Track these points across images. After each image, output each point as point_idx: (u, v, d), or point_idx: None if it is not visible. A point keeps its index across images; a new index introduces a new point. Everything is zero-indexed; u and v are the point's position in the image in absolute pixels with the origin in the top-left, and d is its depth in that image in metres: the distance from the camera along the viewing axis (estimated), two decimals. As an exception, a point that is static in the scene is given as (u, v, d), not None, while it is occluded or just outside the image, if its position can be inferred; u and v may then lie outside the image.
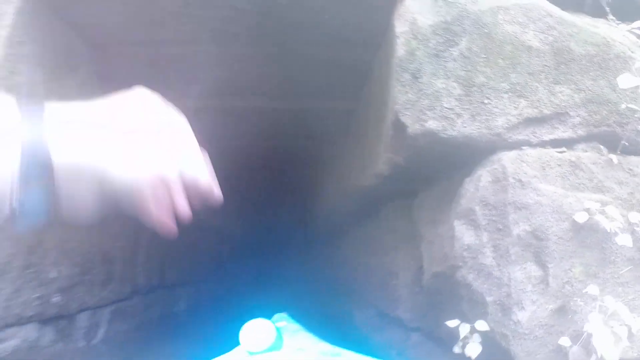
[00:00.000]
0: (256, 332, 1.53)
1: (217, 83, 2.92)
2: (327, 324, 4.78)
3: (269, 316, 1.70)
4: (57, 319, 2.60)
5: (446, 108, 1.81)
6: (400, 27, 1.93)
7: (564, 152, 1.79)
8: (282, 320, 2.15)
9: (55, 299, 2.50)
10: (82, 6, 2.12)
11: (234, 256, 7.57)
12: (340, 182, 3.64)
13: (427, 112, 1.81)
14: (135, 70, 2.78)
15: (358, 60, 2.59)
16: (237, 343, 1.51)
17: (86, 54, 2.41)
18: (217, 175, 0.73)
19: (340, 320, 4.77)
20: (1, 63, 1.78)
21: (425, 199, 2.40)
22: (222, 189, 0.74)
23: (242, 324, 1.51)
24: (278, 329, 1.59)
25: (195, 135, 0.77)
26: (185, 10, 2.18)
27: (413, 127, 1.84)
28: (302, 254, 7.46)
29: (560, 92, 1.80)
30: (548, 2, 1.90)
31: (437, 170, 2.12)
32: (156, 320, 3.96)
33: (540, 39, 1.82)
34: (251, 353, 1.51)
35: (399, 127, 1.91)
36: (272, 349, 1.51)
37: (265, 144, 4.26)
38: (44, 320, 2.46)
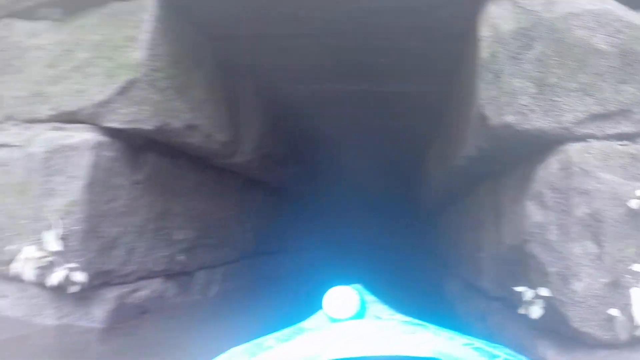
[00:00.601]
0: (340, 299, 1.66)
1: (328, 70, 3.54)
2: (419, 294, 5.39)
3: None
4: (180, 275, 3.23)
5: (522, 104, 2.23)
6: (484, 31, 2.37)
7: (627, 145, 2.16)
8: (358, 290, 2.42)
9: (180, 257, 3.15)
10: (206, 8, 2.70)
11: (336, 227, 8.33)
12: (440, 161, 4.11)
13: (506, 108, 2.23)
14: (253, 61, 3.49)
15: (451, 49, 3.04)
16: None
17: (209, 49, 3.06)
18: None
19: (431, 291, 5.34)
20: (145, 62, 2.42)
21: (507, 180, 2.82)
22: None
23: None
24: (362, 298, 1.71)
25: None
26: (298, 10, 2.77)
27: (494, 120, 2.29)
28: (404, 228, 8.02)
29: (625, 90, 2.15)
30: (618, 5, 2.22)
31: (516, 155, 2.54)
32: (259, 282, 4.61)
33: (608, 42, 2.16)
34: (333, 320, 1.63)
35: (482, 118, 2.37)
36: (355, 317, 1.63)
37: (371, 123, 4.85)
38: (169, 276, 3.09)
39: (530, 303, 2.27)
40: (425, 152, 5.25)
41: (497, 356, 1.25)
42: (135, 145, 2.65)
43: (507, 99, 2.21)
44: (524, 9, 2.26)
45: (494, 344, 1.36)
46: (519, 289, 2.36)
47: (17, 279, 2.60)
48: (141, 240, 2.77)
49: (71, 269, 2.34)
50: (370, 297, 2.21)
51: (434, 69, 3.34)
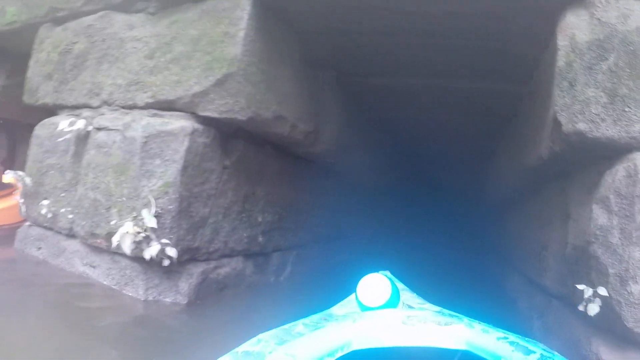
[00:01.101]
0: (373, 286, 1.68)
1: (406, 65, 3.85)
2: (480, 288, 5.68)
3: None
4: (257, 256, 3.60)
5: (593, 113, 2.40)
6: (561, 40, 2.60)
7: (693, 157, 2.40)
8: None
9: (259, 239, 3.53)
10: (297, 6, 3.02)
11: (400, 218, 8.71)
12: (510, 159, 4.34)
13: (578, 115, 2.43)
14: (334, 55, 3.83)
15: (527, 53, 3.30)
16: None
17: (296, 44, 3.39)
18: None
19: (492, 285, 5.62)
20: (240, 57, 2.77)
21: (575, 182, 3.05)
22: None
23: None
24: (394, 286, 1.73)
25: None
26: (383, 10, 3.09)
27: (567, 126, 2.48)
28: (467, 222, 8.29)
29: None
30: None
31: (586, 159, 2.73)
32: (330, 266, 4.92)
33: (681, 57, 2.41)
34: (365, 308, 1.65)
35: (556, 124, 2.58)
36: (387, 305, 1.64)
37: (443, 118, 5.17)
38: (248, 255, 3.46)
39: (589, 301, 2.48)
40: (493, 150, 5.53)
41: (533, 352, 1.28)
42: (226, 132, 3.03)
43: (580, 107, 2.44)
44: (599, 21, 2.46)
45: (529, 340, 1.40)
46: (580, 286, 2.59)
47: (108, 251, 3.05)
48: (226, 221, 3.15)
49: (164, 244, 2.76)
50: (400, 285, 2.24)
51: (509, 69, 3.60)
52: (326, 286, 4.35)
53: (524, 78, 3.70)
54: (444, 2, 2.82)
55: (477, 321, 1.47)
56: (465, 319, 1.48)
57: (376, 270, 1.90)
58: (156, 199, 2.76)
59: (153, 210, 2.75)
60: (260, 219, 3.51)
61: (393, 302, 1.69)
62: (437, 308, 1.84)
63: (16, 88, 4.67)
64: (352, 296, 1.83)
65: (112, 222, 2.92)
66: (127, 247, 2.73)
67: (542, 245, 3.60)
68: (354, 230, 6.05)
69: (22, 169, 4.58)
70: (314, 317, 1.66)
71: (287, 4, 2.85)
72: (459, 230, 8.52)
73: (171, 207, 2.76)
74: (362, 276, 1.73)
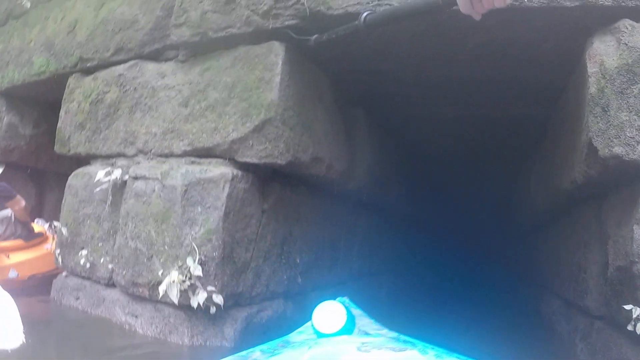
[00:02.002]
0: (328, 313, 1.74)
1: (435, 96, 3.94)
2: (513, 312, 5.68)
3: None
4: (297, 296, 3.58)
5: (629, 137, 2.43)
6: (591, 67, 2.64)
7: None
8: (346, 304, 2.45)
9: (298, 280, 3.53)
10: (329, 49, 3.01)
11: (432, 248, 8.76)
12: (541, 183, 4.35)
13: (614, 140, 2.46)
14: (365, 92, 3.89)
15: (554, 78, 3.35)
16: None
17: (328, 84, 3.44)
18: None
19: (526, 309, 5.62)
20: (277, 102, 2.79)
21: (612, 203, 3.05)
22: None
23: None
24: (350, 312, 1.80)
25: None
26: (413, 47, 3.15)
27: (603, 151, 2.50)
28: (499, 247, 8.38)
29: None
30: None
31: (623, 180, 2.79)
32: (365, 302, 5.03)
33: None
34: (321, 335, 1.69)
35: (592, 149, 2.61)
36: (343, 331, 1.70)
37: (472, 145, 5.25)
38: (288, 297, 3.45)
39: (637, 320, 2.49)
40: (521, 174, 5.58)
41: None
42: (263, 176, 3.06)
43: (615, 131, 2.47)
44: (627, 46, 2.48)
45: None
46: (627, 307, 2.60)
47: (150, 300, 3.07)
48: (267, 264, 3.15)
49: (210, 292, 2.78)
50: (357, 311, 2.30)
51: (534, 95, 3.66)
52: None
53: (549, 103, 3.76)
54: (474, 35, 2.86)
55: (431, 347, 1.48)
56: (420, 345, 1.49)
57: (336, 297, 2.01)
58: (199, 246, 2.78)
59: (197, 257, 2.77)
60: (298, 260, 3.51)
61: (348, 328, 1.75)
62: (394, 334, 1.87)
63: (43, 137, 4.77)
64: (310, 323, 1.84)
65: (155, 271, 2.93)
66: (175, 297, 2.75)
67: (580, 268, 3.60)
68: (388, 264, 6.06)
69: (51, 218, 4.66)
70: (272, 344, 1.71)
71: (318, 48, 2.88)
72: (489, 255, 8.61)
73: (215, 254, 2.78)
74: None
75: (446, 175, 6.86)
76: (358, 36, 2.68)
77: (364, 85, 3.74)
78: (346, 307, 1.81)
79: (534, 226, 5.58)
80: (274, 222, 3.20)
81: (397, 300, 5.74)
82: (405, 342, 1.58)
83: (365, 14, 2.24)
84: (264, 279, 3.14)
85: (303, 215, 3.59)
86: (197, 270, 2.73)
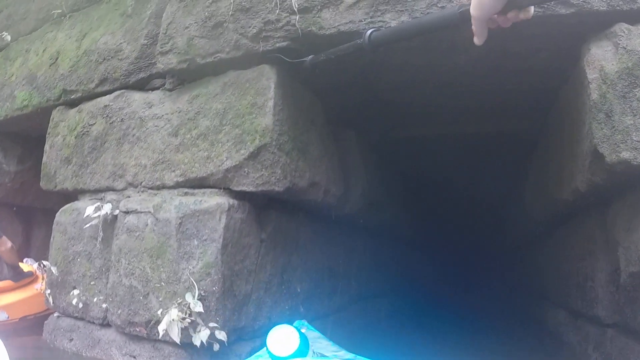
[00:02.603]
0: (282, 337, 1.81)
1: (428, 116, 3.85)
2: (517, 326, 5.57)
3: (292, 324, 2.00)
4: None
5: (635, 140, 2.37)
6: (591, 73, 2.56)
7: None
8: (303, 327, 2.57)
9: (300, 309, 3.39)
10: (319, 73, 2.97)
11: (429, 266, 8.72)
12: (538, 196, 4.27)
13: (621, 145, 2.37)
14: (356, 113, 3.77)
15: (547, 88, 3.27)
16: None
17: (320, 106, 3.32)
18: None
19: (530, 322, 5.51)
20: (272, 128, 2.66)
21: (618, 210, 2.96)
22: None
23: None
24: (303, 335, 1.86)
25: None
26: (404, 69, 3.05)
27: (610, 157, 2.42)
28: (495, 263, 8.34)
29: None
30: None
31: (629, 186, 2.70)
32: (363, 328, 4.81)
33: None
34: (275, 358, 1.78)
35: (598, 156, 2.53)
36: (297, 354, 1.77)
37: (465, 163, 5.18)
38: None
39: None
40: (515, 189, 5.50)
41: None
42: (260, 205, 2.92)
43: (621, 136, 2.40)
44: (625, 49, 2.41)
45: None
46: None
47: (149, 339, 2.90)
48: (268, 295, 3.00)
49: (212, 329, 2.61)
50: (314, 334, 2.39)
51: (529, 107, 3.58)
52: (364, 346, 4.28)
53: (540, 115, 3.70)
54: (467, 49, 2.76)
55: None
56: None
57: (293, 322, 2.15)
58: (198, 281, 2.63)
59: (196, 293, 2.61)
60: (299, 289, 3.37)
61: (302, 351, 1.81)
62: (350, 355, 1.95)
63: (28, 173, 4.60)
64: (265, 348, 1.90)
65: (152, 309, 2.77)
66: (176, 335, 2.58)
67: (587, 277, 3.52)
68: (386, 286, 5.96)
69: (39, 256, 4.47)
70: None
71: (309, 71, 2.76)
72: (486, 271, 8.60)
73: (215, 288, 2.62)
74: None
75: (439, 193, 6.83)
76: (351, 56, 2.56)
77: (355, 107, 3.65)
78: (299, 330, 1.86)
79: (530, 239, 5.50)
80: (273, 251, 3.05)
81: (396, 322, 5.62)
82: None
83: (369, 31, 2.11)
84: (265, 311, 2.99)
85: (301, 243, 3.44)
86: (198, 307, 2.57)
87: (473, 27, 1.40)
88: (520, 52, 2.86)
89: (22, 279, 3.77)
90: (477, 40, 1.43)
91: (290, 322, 2.98)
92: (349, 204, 3.84)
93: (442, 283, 8.80)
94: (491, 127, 4.05)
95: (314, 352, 1.96)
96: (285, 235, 3.21)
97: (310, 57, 2.60)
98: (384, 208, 5.13)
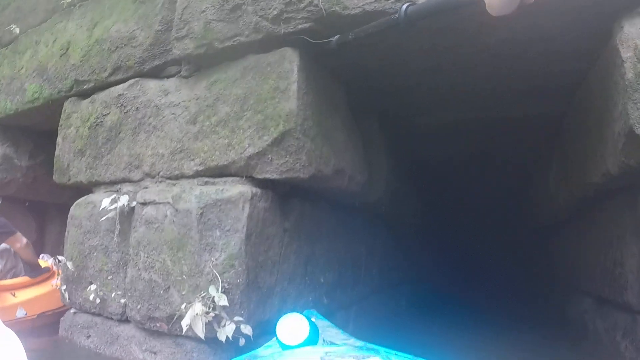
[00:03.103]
0: (291, 326, 1.76)
1: (452, 101, 3.72)
2: (542, 314, 5.43)
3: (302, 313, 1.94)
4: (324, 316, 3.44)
5: None
6: (625, 52, 2.42)
7: None
8: (312, 316, 2.51)
9: (324, 300, 3.28)
10: (341, 55, 2.84)
11: (450, 255, 8.63)
12: (564, 180, 4.14)
13: None
14: (378, 99, 3.64)
15: (573, 69, 3.12)
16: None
17: (343, 92, 3.20)
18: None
19: (552, 310, 5.38)
20: (296, 112, 2.51)
21: None
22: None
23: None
24: (313, 324, 1.82)
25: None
26: (430, 50, 2.91)
27: None
28: (515, 249, 8.22)
29: None
30: None
31: None
32: (386, 317, 4.71)
33: None
34: (286, 347, 1.73)
35: (632, 138, 2.43)
36: (307, 342, 1.73)
37: (487, 150, 5.03)
38: None
39: None
40: (536, 174, 5.35)
41: None
42: (282, 193, 2.79)
43: None
44: None
45: None
46: None
47: (170, 334, 2.77)
48: (292, 287, 2.88)
49: (238, 322, 2.48)
50: (323, 322, 2.36)
51: (554, 90, 3.44)
52: (387, 336, 4.18)
53: (565, 98, 3.55)
54: (495, 30, 2.62)
55: (394, 352, 1.52)
56: (383, 352, 1.53)
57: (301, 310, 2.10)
58: (221, 273, 2.50)
59: (220, 286, 2.48)
60: (322, 280, 3.24)
61: (312, 339, 1.77)
62: (360, 343, 1.93)
63: (40, 167, 4.48)
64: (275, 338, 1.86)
65: (174, 303, 2.64)
66: (201, 331, 2.45)
67: (615, 262, 3.40)
68: (406, 274, 5.86)
69: (53, 252, 4.34)
70: (239, 359, 1.79)
71: (332, 54, 2.62)
72: (506, 258, 8.46)
73: (239, 280, 2.49)
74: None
75: (457, 181, 6.68)
76: (381, 35, 2.41)
77: (377, 93, 3.50)
78: (308, 319, 1.82)
79: (553, 225, 5.36)
80: (297, 241, 2.92)
81: (417, 311, 5.51)
82: (369, 349, 1.60)
83: (405, 5, 1.98)
84: (289, 303, 2.87)
85: (324, 232, 3.31)
86: (222, 300, 2.44)
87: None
88: (549, 33, 2.72)
89: (39, 275, 3.65)
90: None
91: (312, 313, 2.87)
92: (371, 192, 3.71)
93: (461, 271, 8.67)
94: (515, 112, 3.90)
95: (324, 341, 1.94)
96: (308, 224, 3.08)
97: (337, 37, 2.46)
98: (405, 196, 5.02)
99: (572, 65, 3.09)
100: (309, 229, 3.08)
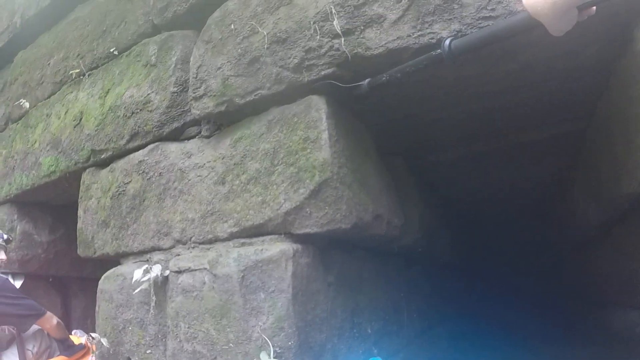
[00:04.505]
0: None
1: (470, 132, 3.61)
2: (583, 331, 5.22)
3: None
4: None
5: None
6: None
7: None
8: None
9: (374, 351, 3.10)
10: (366, 100, 2.73)
11: (481, 288, 8.50)
12: (592, 194, 4.01)
13: None
14: (401, 139, 3.54)
15: (591, 84, 3.02)
16: None
17: (371, 138, 3.09)
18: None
19: (592, 326, 5.17)
20: (331, 161, 2.38)
21: None
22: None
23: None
24: None
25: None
26: (452, 84, 2.81)
27: None
28: (546, 270, 8.06)
29: None
30: None
31: None
32: (427, 358, 4.57)
33: None
34: None
35: None
36: None
37: (510, 175, 4.93)
38: None
39: None
40: (560, 194, 5.22)
41: None
42: (322, 246, 2.65)
43: None
44: None
45: None
46: None
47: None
48: (342, 342, 2.72)
49: (293, 388, 2.31)
50: None
51: (573, 106, 3.34)
52: None
53: (587, 113, 3.46)
54: (517, 55, 2.53)
55: None
56: None
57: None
58: (271, 337, 2.34)
59: (272, 351, 2.31)
60: (369, 330, 3.09)
61: None
62: None
63: (61, 242, 4.36)
64: None
65: (222, 375, 2.46)
66: (257, 402, 2.28)
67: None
68: (442, 314, 5.69)
69: (79, 326, 4.17)
70: None
71: (360, 96, 2.51)
72: (539, 282, 8.32)
73: (290, 342, 2.33)
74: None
75: (482, 211, 6.53)
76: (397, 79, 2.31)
77: (400, 132, 3.40)
78: None
79: (583, 242, 5.19)
80: (342, 294, 2.78)
81: (460, 349, 5.33)
82: None
83: (448, 40, 1.88)
84: (342, 358, 2.67)
85: (365, 281, 3.17)
86: (277, 366, 2.26)
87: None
88: (572, 48, 2.62)
89: (74, 353, 3.48)
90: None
91: None
92: (407, 234, 3.56)
93: (495, 301, 8.49)
94: (535, 135, 3.78)
95: None
96: (350, 276, 2.94)
97: (368, 80, 2.36)
98: (438, 234, 4.91)
99: (594, 78, 3.01)
100: (351, 280, 2.94)
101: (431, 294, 5.17)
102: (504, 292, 8.77)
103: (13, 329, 3.43)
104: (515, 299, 8.53)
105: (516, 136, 3.80)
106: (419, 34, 2.34)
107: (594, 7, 1.49)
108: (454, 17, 2.31)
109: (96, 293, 3.34)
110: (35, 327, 3.49)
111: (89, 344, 3.63)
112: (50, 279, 4.56)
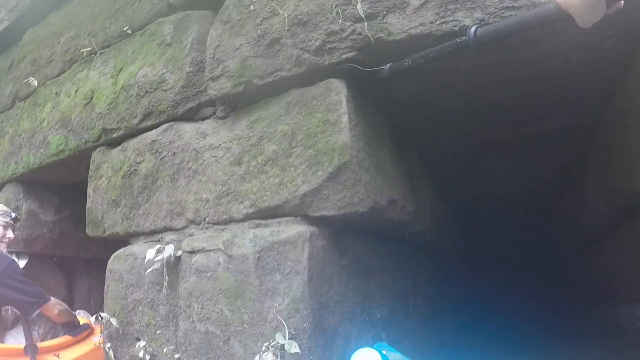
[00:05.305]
0: None
1: (485, 121, 3.63)
2: (589, 326, 5.28)
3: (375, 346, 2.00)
4: None
5: None
6: None
7: None
8: (384, 349, 2.54)
9: (382, 336, 3.15)
10: (384, 86, 2.77)
11: (487, 281, 8.57)
12: (601, 189, 4.05)
13: None
14: (414, 127, 3.56)
15: (607, 76, 3.05)
16: None
17: (387, 125, 3.11)
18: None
19: (598, 320, 5.23)
20: (350, 144, 2.39)
21: None
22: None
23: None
24: (385, 357, 1.91)
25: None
26: (470, 71, 2.83)
27: None
28: (552, 263, 8.12)
29: None
30: None
31: None
32: (438, 346, 4.68)
33: None
34: None
35: None
36: None
37: (517, 167, 4.97)
38: None
39: None
40: (570, 187, 5.26)
41: None
42: (338, 229, 2.67)
43: None
44: None
45: None
46: None
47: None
48: (353, 326, 2.75)
49: (308, 370, 2.34)
50: (395, 355, 2.39)
51: (588, 99, 3.37)
52: None
53: (600, 105, 3.49)
54: (538, 44, 2.54)
55: None
56: None
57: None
58: (287, 319, 2.37)
59: (287, 332, 2.34)
60: (379, 315, 3.14)
61: None
62: None
63: (67, 222, 4.37)
64: None
65: (234, 355, 2.50)
66: (272, 382, 2.30)
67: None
68: (448, 303, 5.74)
69: (83, 307, 4.18)
70: None
71: (375, 83, 2.53)
72: (545, 275, 8.39)
73: (305, 324, 2.36)
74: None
75: (490, 203, 6.56)
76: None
77: (414, 121, 3.43)
78: (380, 352, 1.92)
79: (591, 236, 5.22)
80: (354, 278, 2.81)
81: (464, 338, 5.39)
82: None
83: (474, 27, 1.89)
84: (352, 343, 2.75)
85: (376, 267, 3.21)
86: (293, 347, 2.31)
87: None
88: (588, 42, 2.65)
89: (79, 332, 3.48)
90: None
91: (383, 346, 2.75)
92: (418, 221, 3.60)
93: (501, 292, 8.56)
94: (547, 125, 3.81)
95: None
96: (362, 260, 2.97)
97: (389, 64, 2.37)
98: (447, 223, 4.95)
99: (609, 71, 3.03)
100: (363, 265, 2.97)
101: (437, 283, 5.21)
102: (510, 285, 8.85)
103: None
104: (521, 292, 8.61)
105: (528, 126, 3.83)
106: (441, 21, 2.35)
107: (622, 1, 1.50)
108: (477, 6, 2.32)
109: (101, 274, 3.36)
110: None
111: (93, 324, 3.65)
112: (55, 259, 4.57)
